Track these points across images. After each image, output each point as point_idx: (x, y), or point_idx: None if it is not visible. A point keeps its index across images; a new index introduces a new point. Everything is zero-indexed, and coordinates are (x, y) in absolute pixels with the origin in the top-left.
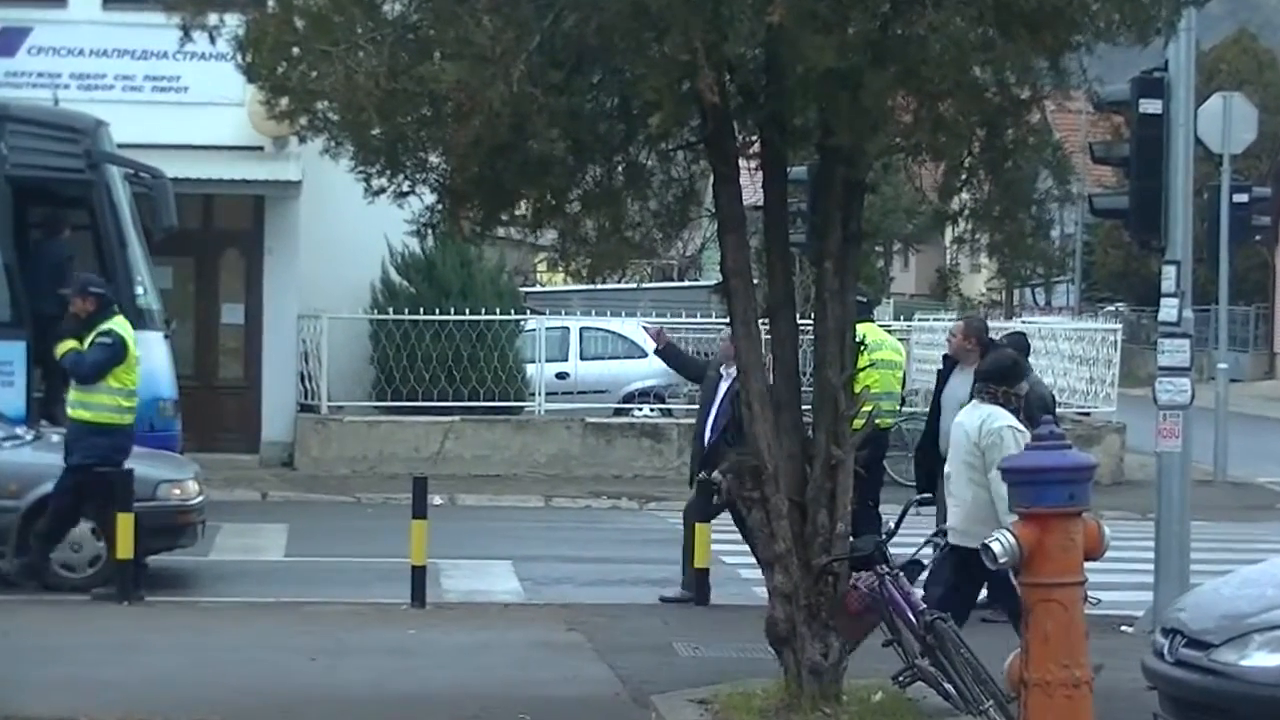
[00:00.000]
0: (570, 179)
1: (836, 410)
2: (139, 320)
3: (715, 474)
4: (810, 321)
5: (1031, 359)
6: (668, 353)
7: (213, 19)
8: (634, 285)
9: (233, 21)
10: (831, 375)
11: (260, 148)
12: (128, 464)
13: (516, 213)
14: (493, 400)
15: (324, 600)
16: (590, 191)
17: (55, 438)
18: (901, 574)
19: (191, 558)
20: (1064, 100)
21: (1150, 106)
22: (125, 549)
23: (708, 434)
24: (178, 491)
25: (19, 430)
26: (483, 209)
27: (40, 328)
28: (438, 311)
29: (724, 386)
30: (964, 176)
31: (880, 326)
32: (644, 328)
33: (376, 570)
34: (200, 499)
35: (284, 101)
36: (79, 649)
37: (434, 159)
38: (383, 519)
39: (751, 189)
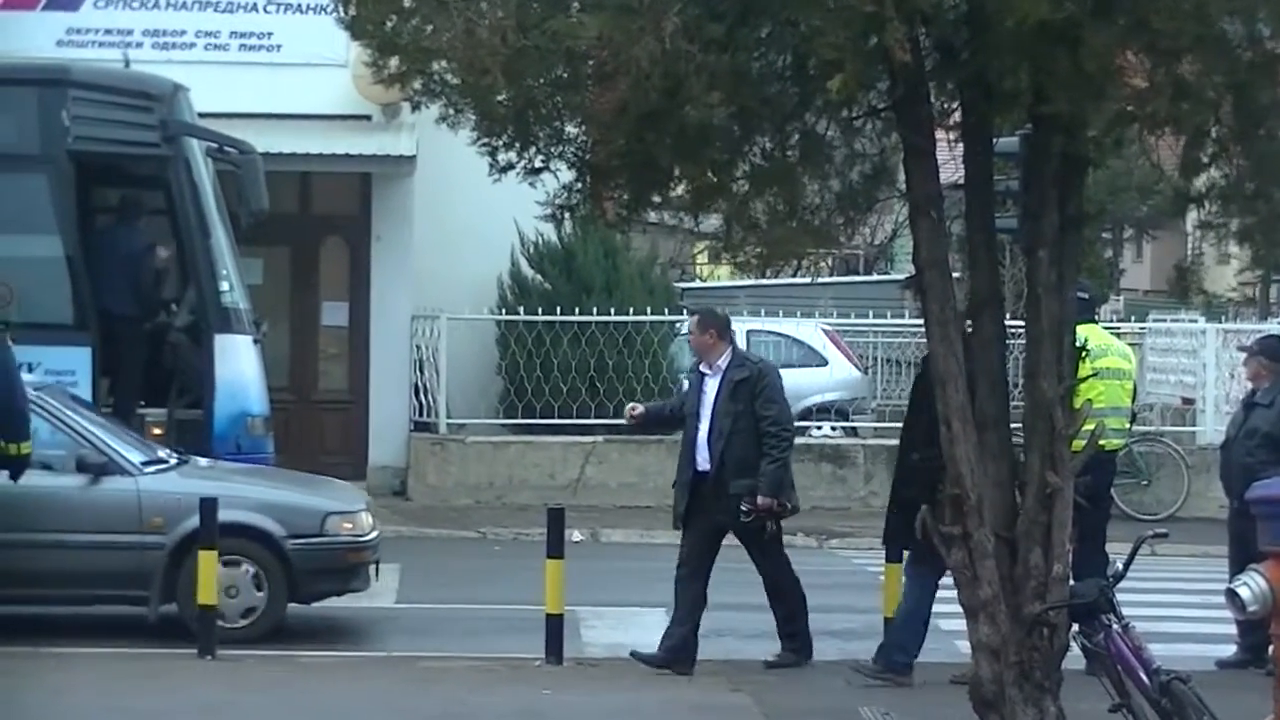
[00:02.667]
0: (735, 153)
1: (1052, 429)
2: (223, 322)
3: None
4: (1021, 322)
5: None
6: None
7: None
8: (811, 280)
9: None
10: (1046, 387)
11: (367, 117)
12: (289, 491)
13: (671, 193)
14: None
15: (443, 655)
16: (759, 168)
17: (204, 463)
18: (1132, 625)
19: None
20: None
21: None
22: (207, 594)
23: (700, 454)
24: (349, 525)
25: (162, 453)
26: (630, 189)
27: (108, 331)
28: (577, 311)
29: (712, 386)
30: (1209, 149)
31: (1106, 329)
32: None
33: (505, 620)
34: (375, 535)
35: (394, 62)
36: (154, 713)
37: (571, 129)
38: (512, 558)
39: (951, 164)
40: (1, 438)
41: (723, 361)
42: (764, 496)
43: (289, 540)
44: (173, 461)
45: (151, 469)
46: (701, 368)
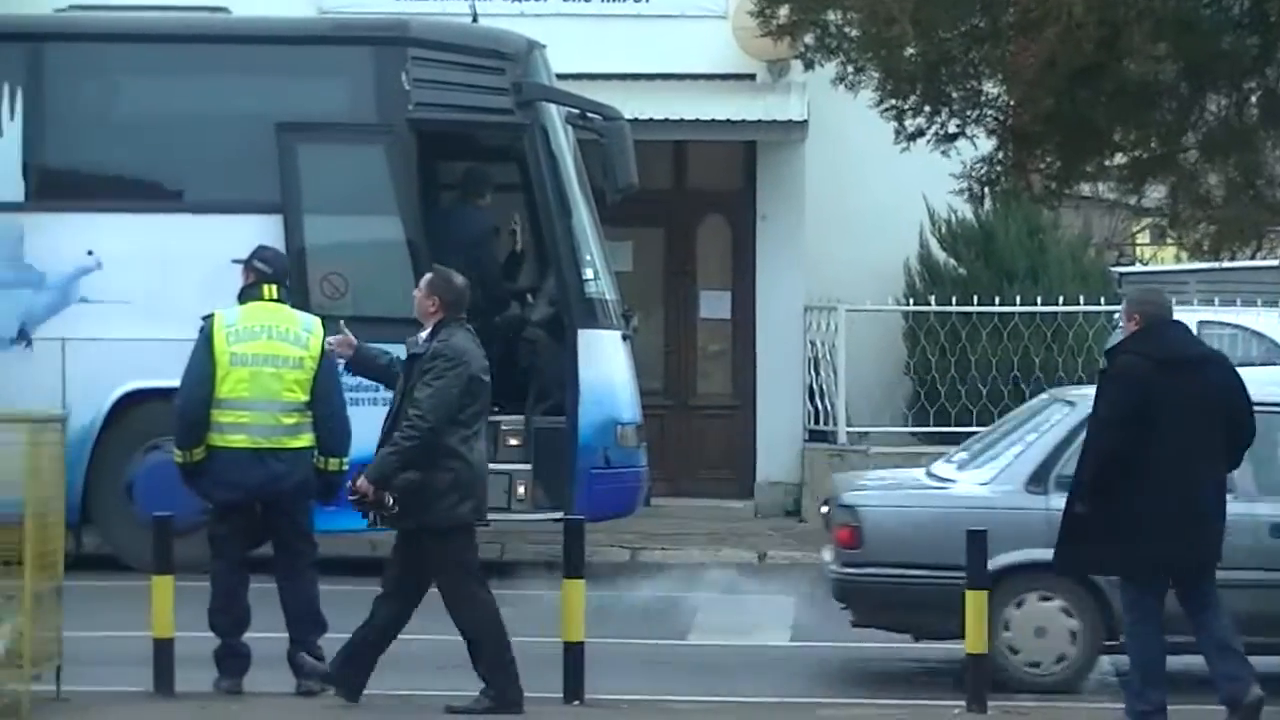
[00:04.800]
0: (1184, 115)
1: None
2: (588, 315)
3: None
4: None
5: None
6: (360, 362)
7: None
8: (1278, 263)
9: None
10: None
11: (751, 76)
12: None
13: (1107, 162)
14: None
15: (845, 701)
16: (1211, 133)
17: None
18: None
19: (665, 641)
20: None
21: None
22: (576, 631)
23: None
24: None
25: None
26: (1060, 157)
27: None
28: (998, 301)
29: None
30: None
31: None
32: (328, 341)
33: (920, 660)
34: None
35: (784, 11)
36: None
37: (990, 88)
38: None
39: None
40: (324, 452)
41: (424, 335)
42: (364, 479)
43: None
44: None
45: None
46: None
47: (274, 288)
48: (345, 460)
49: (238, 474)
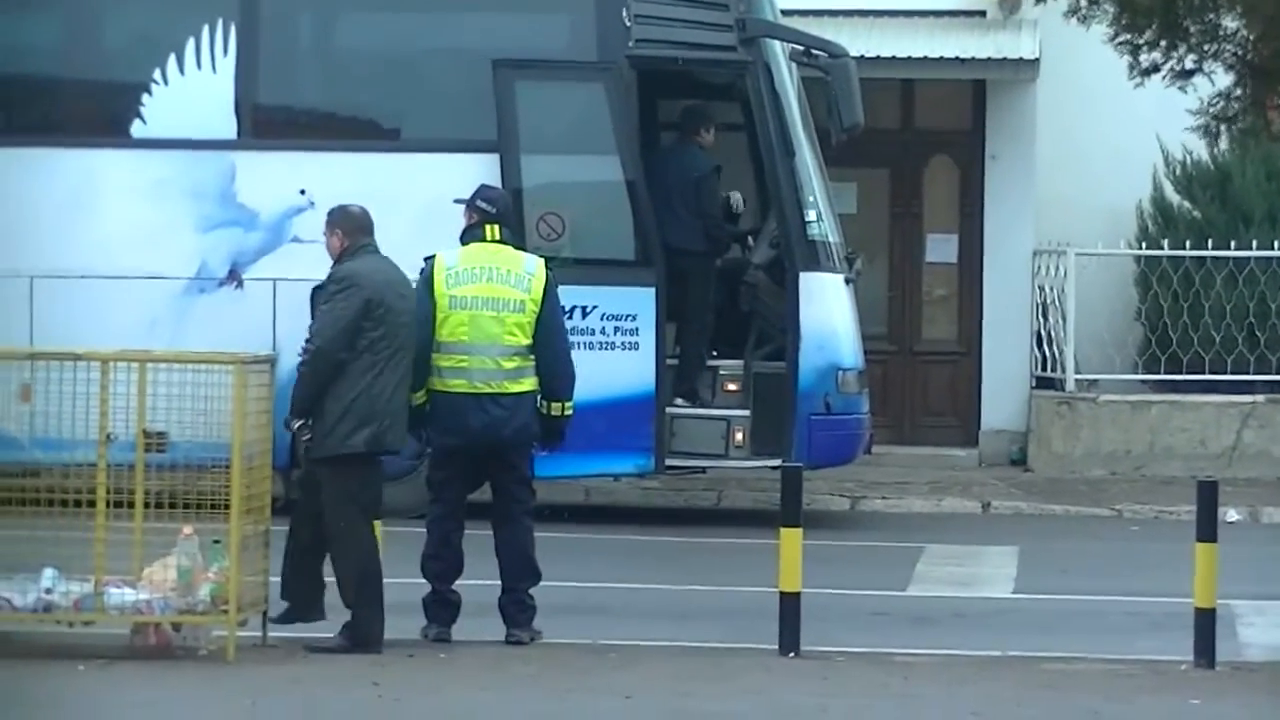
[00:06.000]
0: None
1: None
2: (810, 258)
3: None
4: None
5: None
6: None
7: None
8: None
9: None
10: None
11: (981, 13)
12: None
13: None
14: None
15: (1071, 655)
16: None
17: None
18: None
19: (885, 592)
20: None
21: None
22: (793, 581)
23: None
24: None
25: None
26: None
27: (675, 268)
28: (1234, 245)
29: None
30: None
31: None
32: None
33: (1144, 614)
34: None
35: None
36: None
37: (1230, 22)
38: (1153, 540)
39: None
40: (547, 396)
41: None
42: (289, 416)
43: None
44: None
45: None
46: None
47: (497, 228)
48: (569, 404)
49: (458, 419)
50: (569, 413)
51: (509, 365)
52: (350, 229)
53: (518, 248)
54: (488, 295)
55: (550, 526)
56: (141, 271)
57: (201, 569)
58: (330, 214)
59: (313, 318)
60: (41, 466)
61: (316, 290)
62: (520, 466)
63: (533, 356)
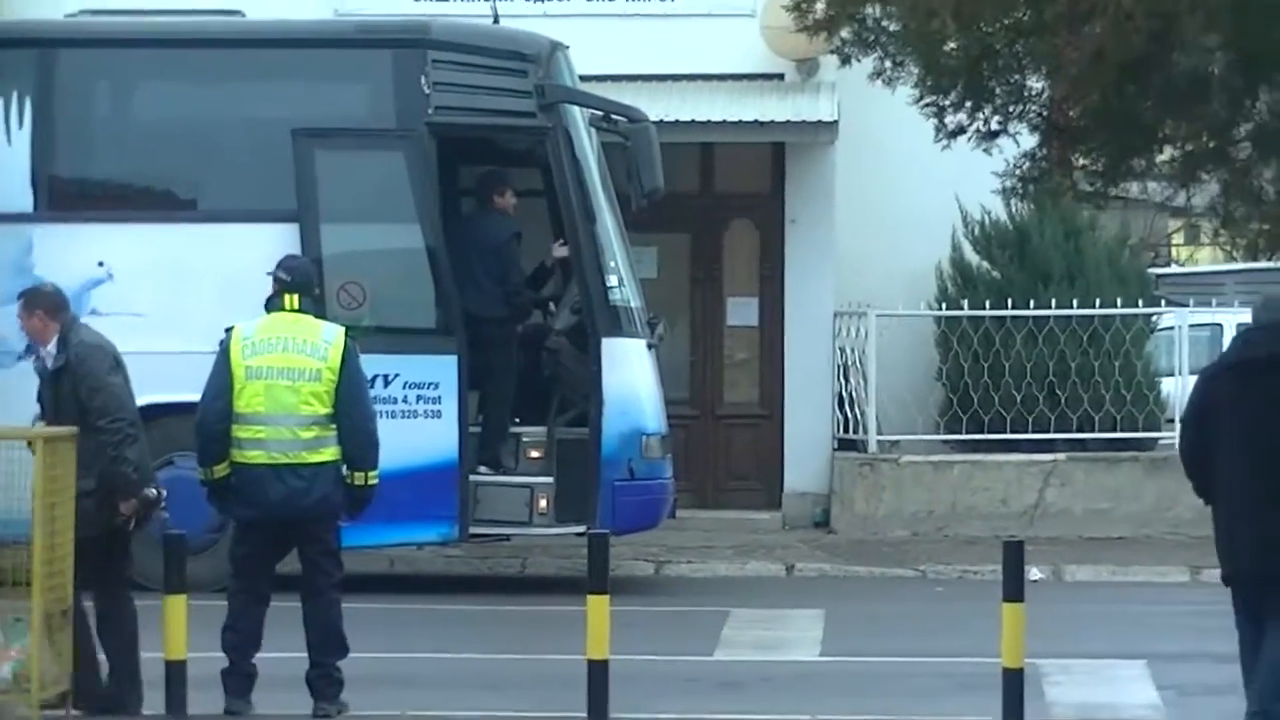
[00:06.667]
0: (1235, 108)
1: None
2: (612, 324)
3: None
4: None
5: None
6: None
7: None
8: None
9: None
10: None
11: (780, 75)
12: None
13: (1157, 158)
14: (1113, 430)
15: (880, 717)
16: (1266, 126)
17: None
18: None
19: (693, 657)
20: None
21: None
22: (600, 648)
23: None
24: None
25: None
26: (1106, 154)
27: (476, 335)
28: (1033, 304)
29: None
30: None
31: None
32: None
33: (953, 675)
34: None
35: (820, 6)
36: None
37: (1035, 83)
38: (958, 600)
39: None
40: (350, 466)
41: (54, 347)
42: (124, 502)
43: None
44: None
45: None
46: (43, 356)
47: (295, 298)
48: (373, 474)
49: (257, 492)
50: (373, 482)
51: (306, 435)
52: (53, 306)
53: (319, 316)
54: (283, 365)
55: (357, 597)
56: None
57: (3, 647)
58: (26, 301)
59: (57, 399)
60: None
61: (58, 374)
62: (325, 539)
63: (334, 426)
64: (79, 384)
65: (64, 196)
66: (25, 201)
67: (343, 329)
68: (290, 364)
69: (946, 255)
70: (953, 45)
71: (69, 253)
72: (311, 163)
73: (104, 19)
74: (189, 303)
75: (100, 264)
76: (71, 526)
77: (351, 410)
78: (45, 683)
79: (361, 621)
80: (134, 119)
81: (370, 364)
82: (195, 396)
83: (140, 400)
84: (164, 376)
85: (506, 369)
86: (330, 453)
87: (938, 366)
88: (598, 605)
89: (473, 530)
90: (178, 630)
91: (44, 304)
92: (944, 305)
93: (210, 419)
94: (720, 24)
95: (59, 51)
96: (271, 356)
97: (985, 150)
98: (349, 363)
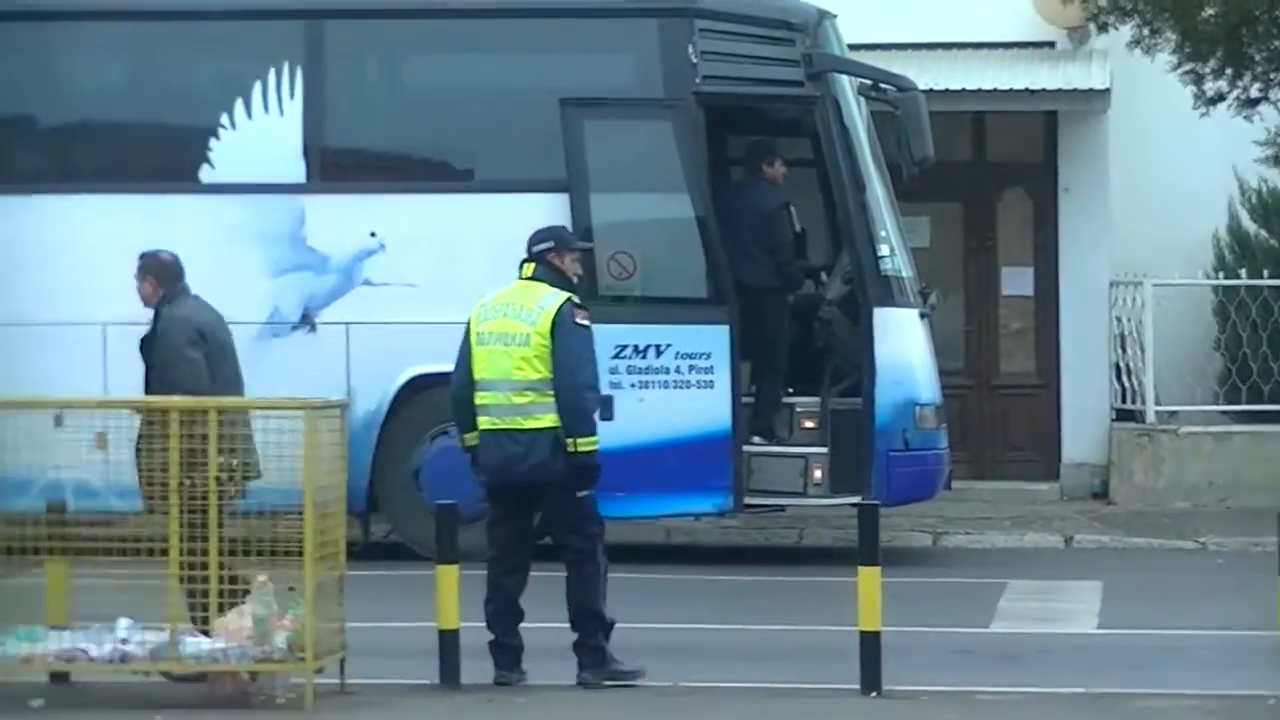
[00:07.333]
0: None
1: None
2: (884, 293)
3: None
4: None
5: None
6: None
7: None
8: None
9: None
10: None
11: (1050, 44)
12: None
13: None
14: None
15: (1160, 692)
16: None
17: None
18: None
19: (968, 629)
20: None
21: None
22: (872, 619)
23: None
24: None
25: None
26: None
27: (748, 305)
28: None
29: None
30: None
31: None
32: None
33: (1231, 648)
34: None
35: None
36: None
37: None
38: (1240, 573)
39: None
40: (566, 433)
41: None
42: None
43: None
44: None
45: None
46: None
47: (532, 265)
48: (585, 441)
49: (485, 457)
50: (586, 449)
51: (520, 400)
52: (164, 276)
53: (586, 288)
54: (500, 330)
55: (632, 567)
56: None
57: (277, 616)
58: (141, 264)
59: (148, 366)
60: (117, 515)
61: (147, 341)
62: (561, 510)
63: (550, 392)
64: (158, 355)
65: (335, 167)
66: (298, 172)
67: (564, 295)
68: (507, 329)
69: (1223, 224)
70: (1210, 12)
71: (340, 223)
72: (580, 133)
73: None
74: (460, 273)
75: (372, 234)
76: (344, 497)
77: (563, 375)
78: (319, 651)
79: (638, 591)
80: (403, 90)
81: (642, 334)
82: None
83: (412, 371)
84: (436, 347)
85: (779, 339)
86: (548, 419)
87: (1215, 336)
88: (869, 576)
89: (747, 501)
90: (449, 600)
91: (156, 271)
92: (1221, 274)
93: (454, 386)
94: None
95: (329, 23)
96: (494, 322)
97: (1246, 118)
98: (560, 328)
